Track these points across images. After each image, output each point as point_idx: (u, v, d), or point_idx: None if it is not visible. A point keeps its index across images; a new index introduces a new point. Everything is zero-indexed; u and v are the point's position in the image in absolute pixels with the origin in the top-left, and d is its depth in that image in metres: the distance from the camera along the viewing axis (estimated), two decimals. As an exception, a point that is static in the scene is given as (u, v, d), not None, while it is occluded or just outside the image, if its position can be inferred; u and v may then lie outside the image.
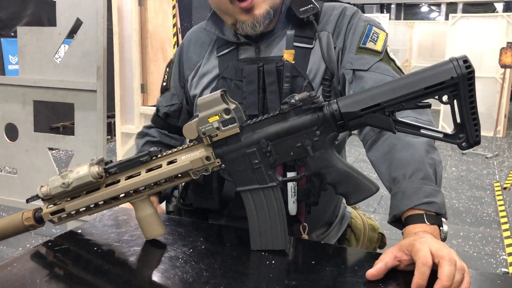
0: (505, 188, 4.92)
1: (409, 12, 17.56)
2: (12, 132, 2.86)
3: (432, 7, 17.84)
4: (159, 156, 0.87)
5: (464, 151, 6.29)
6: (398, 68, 1.04)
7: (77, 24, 2.57)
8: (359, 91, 0.81)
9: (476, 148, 6.50)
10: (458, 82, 0.73)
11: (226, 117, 0.81)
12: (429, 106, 0.77)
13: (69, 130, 5.89)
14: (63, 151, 5.50)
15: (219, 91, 0.82)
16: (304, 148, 0.81)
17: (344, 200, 1.22)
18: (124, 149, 2.73)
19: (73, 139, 2.72)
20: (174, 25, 6.23)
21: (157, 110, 1.27)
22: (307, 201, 1.02)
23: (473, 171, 5.59)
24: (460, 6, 15.53)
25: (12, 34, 5.31)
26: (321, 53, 1.04)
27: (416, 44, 9.52)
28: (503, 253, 3.44)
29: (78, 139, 2.68)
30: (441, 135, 0.78)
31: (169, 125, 1.26)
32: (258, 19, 1.01)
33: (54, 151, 2.69)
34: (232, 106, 0.82)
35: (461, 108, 0.75)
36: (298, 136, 0.81)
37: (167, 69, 1.24)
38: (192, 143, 0.86)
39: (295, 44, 1.05)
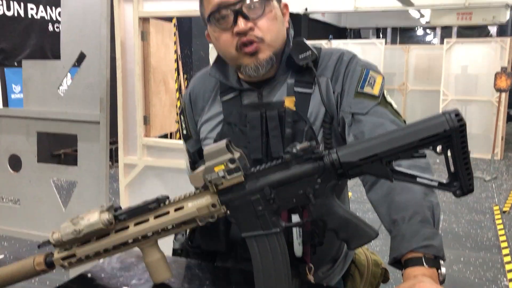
0: (504, 212, 4.94)
1: (404, 35, 17.81)
2: (15, 163, 2.89)
3: (427, 31, 18.12)
4: (167, 203, 0.90)
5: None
6: (395, 110, 1.09)
7: (81, 57, 2.63)
8: (358, 141, 0.86)
9: (475, 171, 6.53)
10: (451, 135, 0.77)
11: (231, 166, 0.85)
12: (424, 156, 0.81)
13: (70, 158, 5.92)
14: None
15: (224, 140, 0.86)
16: (306, 195, 0.85)
17: None
18: (127, 180, 2.76)
19: (76, 170, 2.75)
20: (175, 51, 6.32)
21: (190, 157, 1.31)
22: (312, 242, 1.05)
23: (471, 194, 5.60)
24: (454, 30, 15.77)
25: (16, 64, 5.40)
26: (321, 98, 1.10)
27: (412, 68, 9.65)
28: (505, 279, 3.45)
29: (81, 170, 2.71)
30: (436, 184, 0.82)
31: None
32: (261, 63, 1.07)
33: (55, 178, 2.72)
34: (237, 155, 0.86)
35: (454, 158, 0.79)
36: (300, 184, 0.85)
37: (182, 117, 1.29)
38: (198, 190, 0.90)
39: (296, 89, 1.11)
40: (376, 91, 1.09)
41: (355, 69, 1.11)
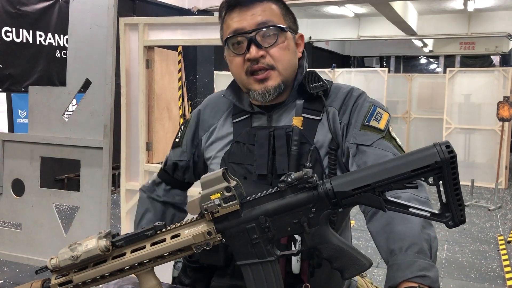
0: (509, 242, 4.89)
1: (408, 64, 18.00)
2: (18, 187, 2.91)
3: (431, 59, 18.29)
4: (163, 230, 0.91)
5: (466, 203, 6.29)
6: (399, 146, 1.13)
7: (87, 83, 2.68)
8: (351, 172, 0.87)
9: (479, 200, 6.49)
10: (442, 166, 0.79)
11: (227, 194, 0.86)
12: (416, 187, 0.82)
13: (73, 182, 5.95)
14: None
15: (221, 169, 0.88)
16: (301, 224, 0.86)
17: None
18: (128, 205, 2.77)
19: (78, 195, 2.77)
20: (180, 78, 6.43)
21: (165, 164, 1.36)
22: (310, 261, 1.06)
23: (476, 223, 5.57)
24: (458, 58, 15.92)
25: (22, 89, 5.49)
26: (328, 126, 1.14)
27: (415, 96, 9.71)
28: (509, 311, 3.39)
29: (83, 195, 2.73)
30: (428, 214, 0.83)
31: (175, 180, 1.36)
32: (269, 90, 1.13)
33: (57, 203, 2.72)
34: (233, 184, 0.88)
35: (446, 189, 0.80)
36: (295, 212, 0.86)
37: (182, 127, 1.34)
38: (194, 218, 0.91)
39: (304, 115, 1.15)
40: (381, 125, 1.13)
41: (363, 104, 1.17)
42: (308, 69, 1.22)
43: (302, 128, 1.12)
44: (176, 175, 1.34)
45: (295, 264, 1.04)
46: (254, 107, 1.20)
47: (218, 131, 1.25)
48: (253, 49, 1.10)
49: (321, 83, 1.17)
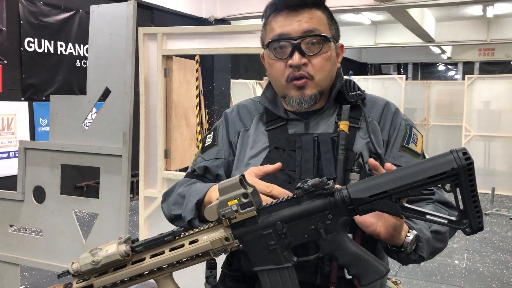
0: (531, 251, 4.78)
1: (426, 71, 17.84)
2: (39, 194, 2.97)
3: (449, 66, 18.09)
4: (182, 236, 0.93)
5: (487, 212, 6.18)
6: None
7: (106, 92, 2.73)
8: (368, 178, 0.88)
9: (500, 209, 6.37)
10: (459, 173, 0.79)
11: (244, 200, 0.87)
12: (433, 193, 0.83)
13: (92, 190, 6.03)
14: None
15: (238, 176, 0.89)
16: (317, 230, 0.87)
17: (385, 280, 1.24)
18: (147, 212, 2.80)
19: (97, 202, 2.80)
20: (197, 87, 6.47)
21: (193, 170, 1.28)
22: None
23: (497, 232, 5.46)
24: (477, 65, 15.73)
25: (44, 98, 5.60)
26: (368, 135, 1.13)
27: (433, 103, 9.62)
28: (532, 322, 3.31)
29: (102, 202, 2.76)
30: (445, 221, 0.83)
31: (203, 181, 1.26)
32: (305, 98, 1.12)
33: (77, 210, 2.78)
34: (250, 190, 0.89)
35: (463, 196, 0.80)
36: (311, 219, 0.87)
37: (213, 132, 1.28)
38: (212, 224, 0.92)
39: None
40: (418, 149, 1.16)
41: (401, 123, 1.18)
42: (345, 78, 1.22)
43: (348, 133, 1.11)
44: (207, 176, 1.26)
45: None
46: (290, 114, 1.19)
47: (249, 137, 1.21)
48: (297, 56, 1.09)
49: (359, 92, 1.17)
